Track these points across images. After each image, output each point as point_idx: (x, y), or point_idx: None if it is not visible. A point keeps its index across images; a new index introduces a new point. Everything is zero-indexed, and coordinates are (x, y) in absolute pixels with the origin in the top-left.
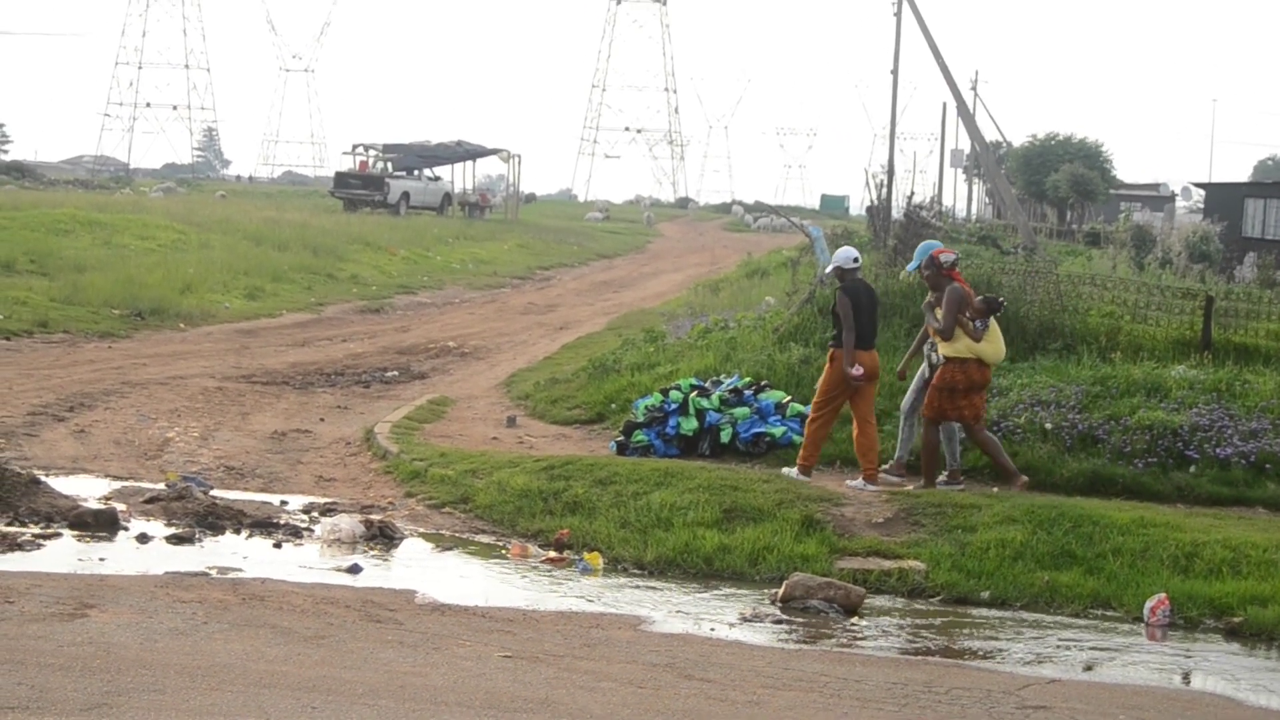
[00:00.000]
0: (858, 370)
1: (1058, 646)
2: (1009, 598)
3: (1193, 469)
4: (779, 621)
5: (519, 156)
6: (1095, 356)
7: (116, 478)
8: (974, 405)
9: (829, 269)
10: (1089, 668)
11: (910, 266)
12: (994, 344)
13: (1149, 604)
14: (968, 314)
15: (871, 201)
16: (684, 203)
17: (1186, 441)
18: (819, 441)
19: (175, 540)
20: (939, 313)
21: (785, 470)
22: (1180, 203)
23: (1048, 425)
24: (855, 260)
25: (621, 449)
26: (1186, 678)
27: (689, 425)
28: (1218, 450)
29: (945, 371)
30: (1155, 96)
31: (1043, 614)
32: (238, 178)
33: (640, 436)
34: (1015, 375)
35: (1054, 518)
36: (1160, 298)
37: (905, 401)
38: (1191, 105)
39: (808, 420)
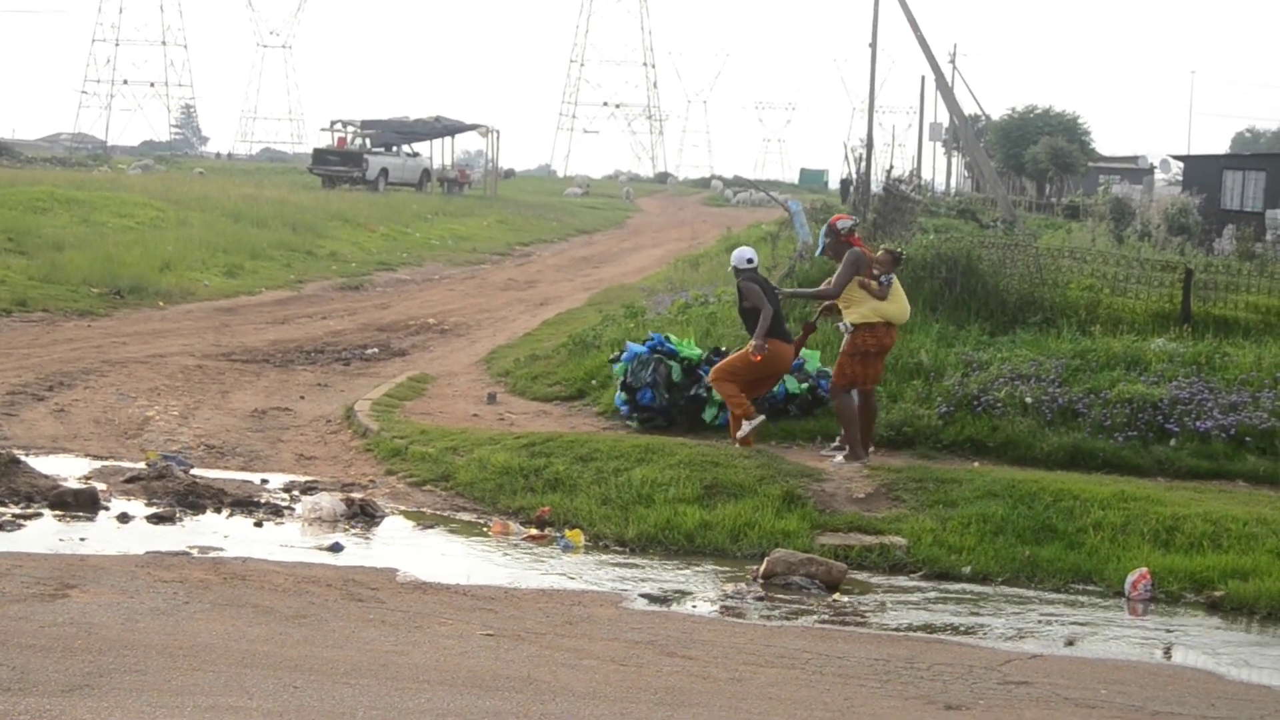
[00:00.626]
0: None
1: (1039, 621)
2: (990, 573)
3: (1173, 442)
4: (761, 598)
5: (498, 132)
6: (1075, 330)
7: (97, 457)
8: (877, 369)
9: (730, 268)
10: (1070, 643)
11: (818, 252)
12: (897, 303)
13: (1130, 578)
14: (874, 272)
15: (846, 174)
16: (663, 177)
17: (1166, 415)
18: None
19: (156, 520)
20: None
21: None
22: (1159, 175)
23: (1028, 399)
24: (749, 261)
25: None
26: (1168, 652)
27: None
28: (1198, 423)
29: (856, 337)
30: (1133, 69)
31: (1024, 589)
32: (217, 155)
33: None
34: (995, 349)
35: (1034, 492)
36: (1140, 270)
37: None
38: (1170, 77)
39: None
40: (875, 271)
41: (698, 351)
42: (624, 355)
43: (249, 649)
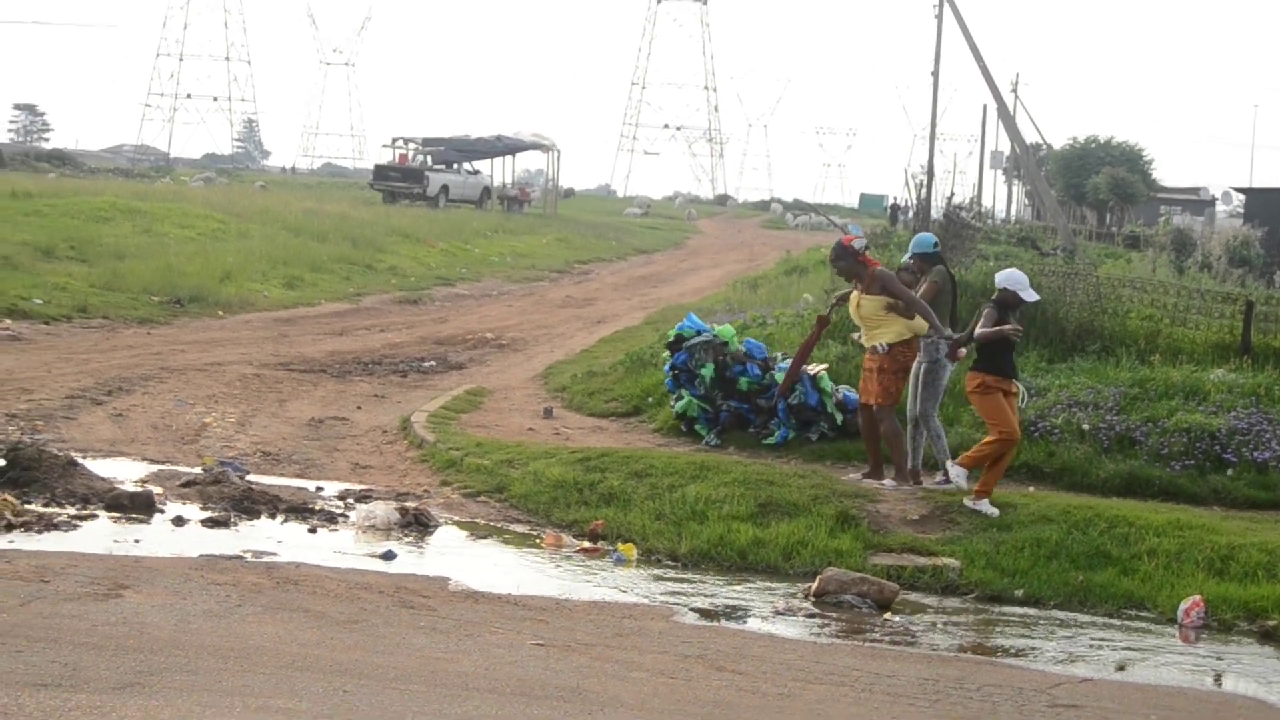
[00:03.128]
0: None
1: (1090, 646)
2: (1043, 596)
3: (1230, 472)
4: (812, 615)
5: (558, 151)
6: (1134, 359)
7: (153, 461)
8: (901, 387)
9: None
10: (1121, 668)
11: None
12: (920, 320)
13: (1183, 605)
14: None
15: (893, 200)
16: (723, 200)
17: (1224, 445)
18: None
19: (211, 524)
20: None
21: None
22: (1220, 207)
23: (1085, 426)
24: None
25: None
26: (1219, 680)
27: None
28: (1255, 454)
29: (895, 354)
30: (1196, 100)
31: (1076, 613)
32: (283, 169)
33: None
34: (1053, 376)
35: (1089, 518)
36: (1200, 301)
37: (910, 408)
38: (1232, 110)
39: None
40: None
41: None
42: (682, 340)
43: (300, 652)
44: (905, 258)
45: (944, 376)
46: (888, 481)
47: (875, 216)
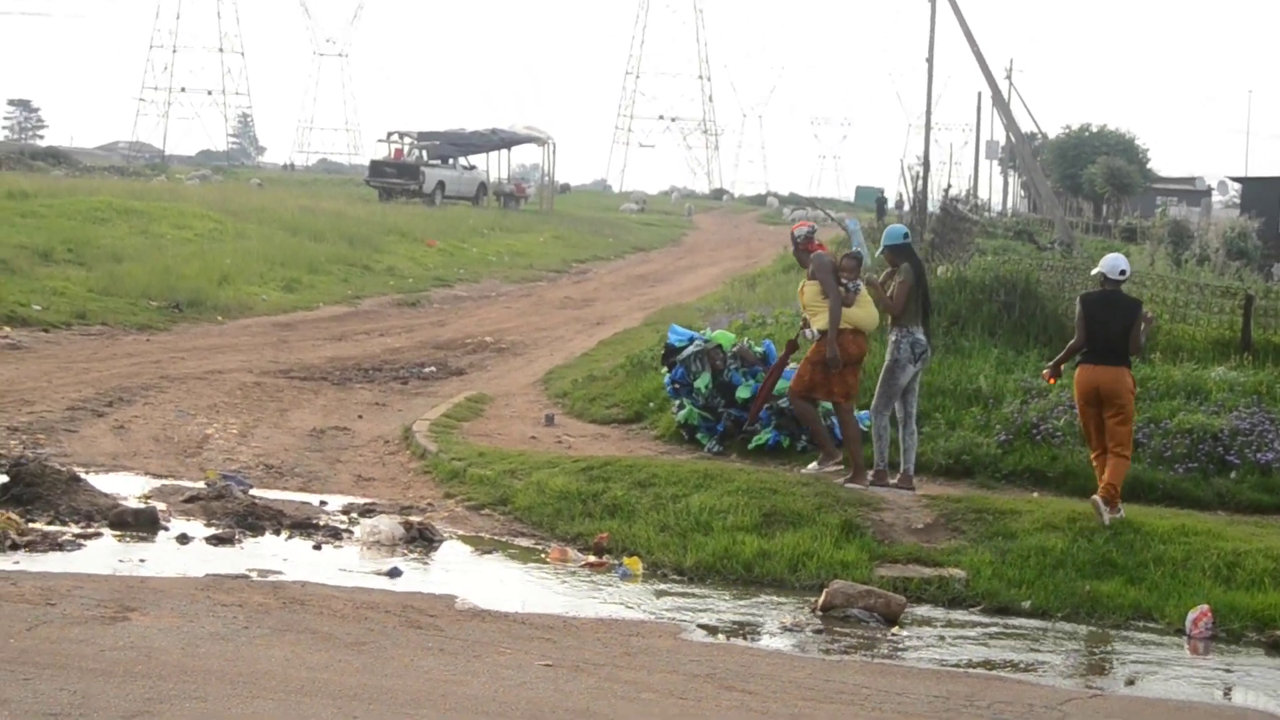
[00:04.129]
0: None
1: (1099, 659)
2: (1050, 607)
3: (1234, 475)
4: (819, 631)
5: (554, 144)
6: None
7: (156, 475)
8: (845, 382)
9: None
10: (1131, 682)
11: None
12: (866, 308)
13: (1191, 615)
14: (842, 278)
15: (880, 194)
16: (719, 194)
17: (1227, 446)
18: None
19: (215, 541)
20: (890, 289)
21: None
22: (1217, 197)
23: None
24: (1123, 272)
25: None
26: (1228, 693)
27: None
28: (1259, 455)
29: (831, 347)
30: (1190, 87)
31: (1084, 624)
32: (284, 166)
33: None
34: None
35: (1094, 525)
36: (1199, 296)
37: (897, 408)
38: (1227, 97)
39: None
40: (843, 279)
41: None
42: (675, 352)
43: (308, 677)
44: (877, 251)
45: (901, 378)
46: (811, 466)
47: (872, 210)
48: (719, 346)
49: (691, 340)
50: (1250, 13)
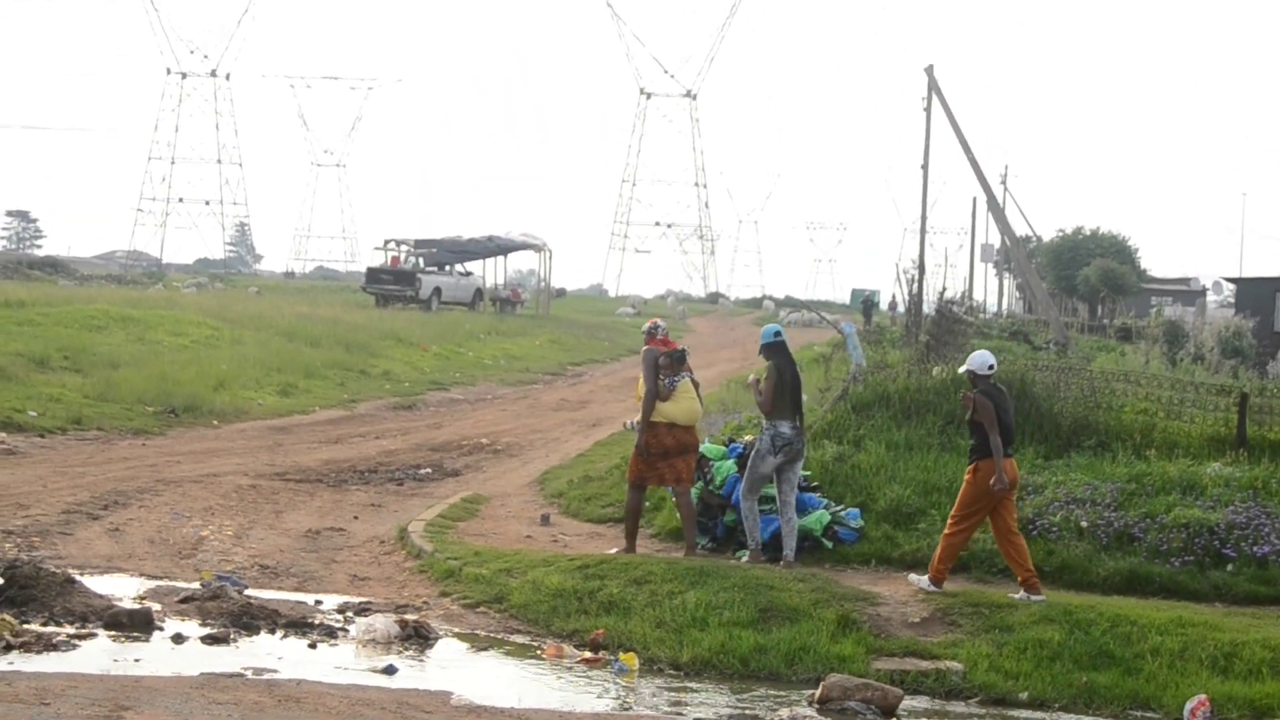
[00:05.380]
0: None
1: None
2: (1048, 698)
3: (1230, 568)
4: None
5: (550, 250)
6: (1130, 454)
7: (151, 576)
8: (674, 469)
9: (962, 370)
10: None
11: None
12: (679, 403)
13: (1189, 705)
14: (662, 375)
15: (867, 295)
16: (714, 298)
17: (1223, 540)
18: (955, 552)
19: (210, 640)
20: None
21: (912, 577)
22: (1211, 297)
23: (1083, 523)
24: (991, 366)
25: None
26: None
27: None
28: (1255, 549)
29: (640, 436)
30: (1185, 190)
31: (1082, 715)
32: (285, 274)
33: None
34: (1050, 473)
35: (1091, 618)
36: (1194, 394)
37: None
38: (1221, 199)
39: (945, 533)
40: (663, 375)
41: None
42: None
43: None
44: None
45: (761, 467)
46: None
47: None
48: (703, 456)
49: None
50: (1244, 115)
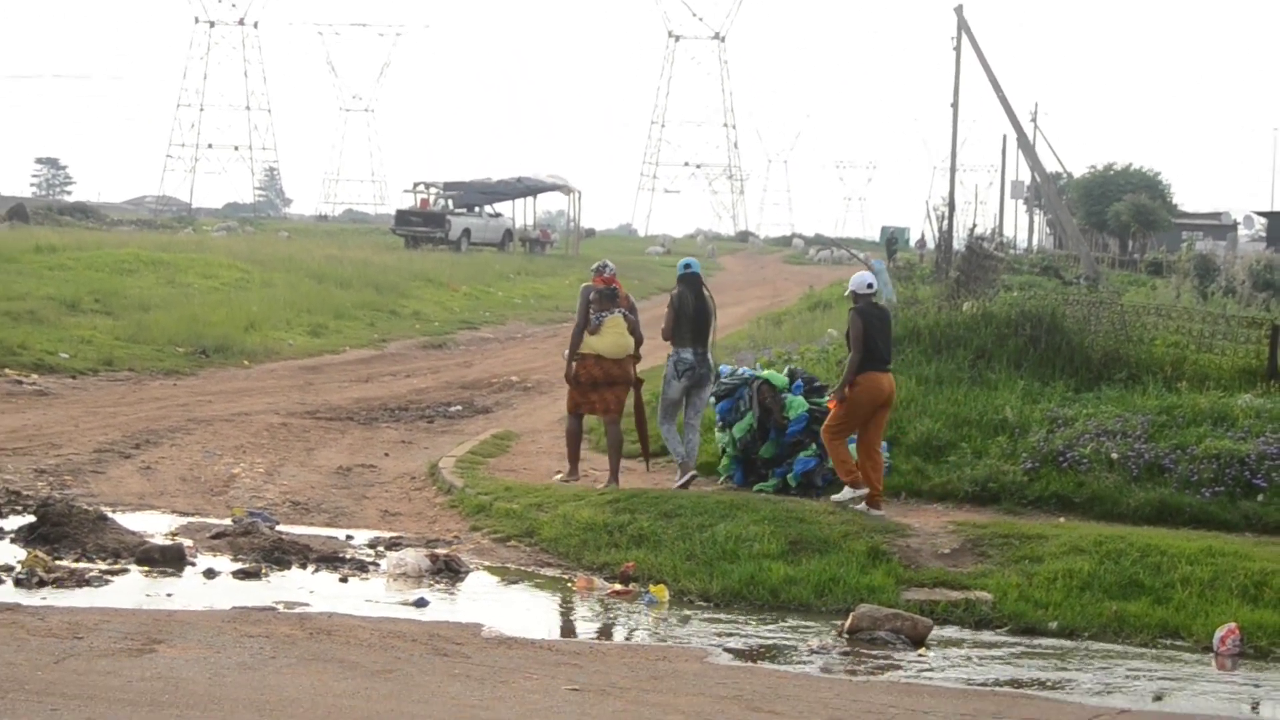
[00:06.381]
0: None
1: (1127, 676)
2: (1077, 628)
3: (1260, 497)
4: (846, 653)
5: (579, 192)
6: (1161, 386)
7: (183, 513)
8: (604, 399)
9: (846, 293)
10: (1158, 698)
11: None
12: (604, 337)
13: (1218, 633)
14: (591, 309)
15: (890, 233)
16: (744, 236)
17: (1254, 470)
18: (845, 458)
19: (242, 575)
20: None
21: (835, 497)
22: (1243, 231)
23: (1114, 455)
24: (870, 285)
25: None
26: (1256, 707)
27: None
28: None
29: (569, 367)
30: (1216, 125)
31: (1111, 644)
32: (317, 217)
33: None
34: (1080, 406)
35: (1121, 548)
36: (1225, 327)
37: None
38: (1252, 133)
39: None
40: (592, 310)
41: (784, 380)
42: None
43: (334, 704)
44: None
45: (669, 391)
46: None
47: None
48: (768, 382)
49: (734, 374)
50: (1275, 50)
